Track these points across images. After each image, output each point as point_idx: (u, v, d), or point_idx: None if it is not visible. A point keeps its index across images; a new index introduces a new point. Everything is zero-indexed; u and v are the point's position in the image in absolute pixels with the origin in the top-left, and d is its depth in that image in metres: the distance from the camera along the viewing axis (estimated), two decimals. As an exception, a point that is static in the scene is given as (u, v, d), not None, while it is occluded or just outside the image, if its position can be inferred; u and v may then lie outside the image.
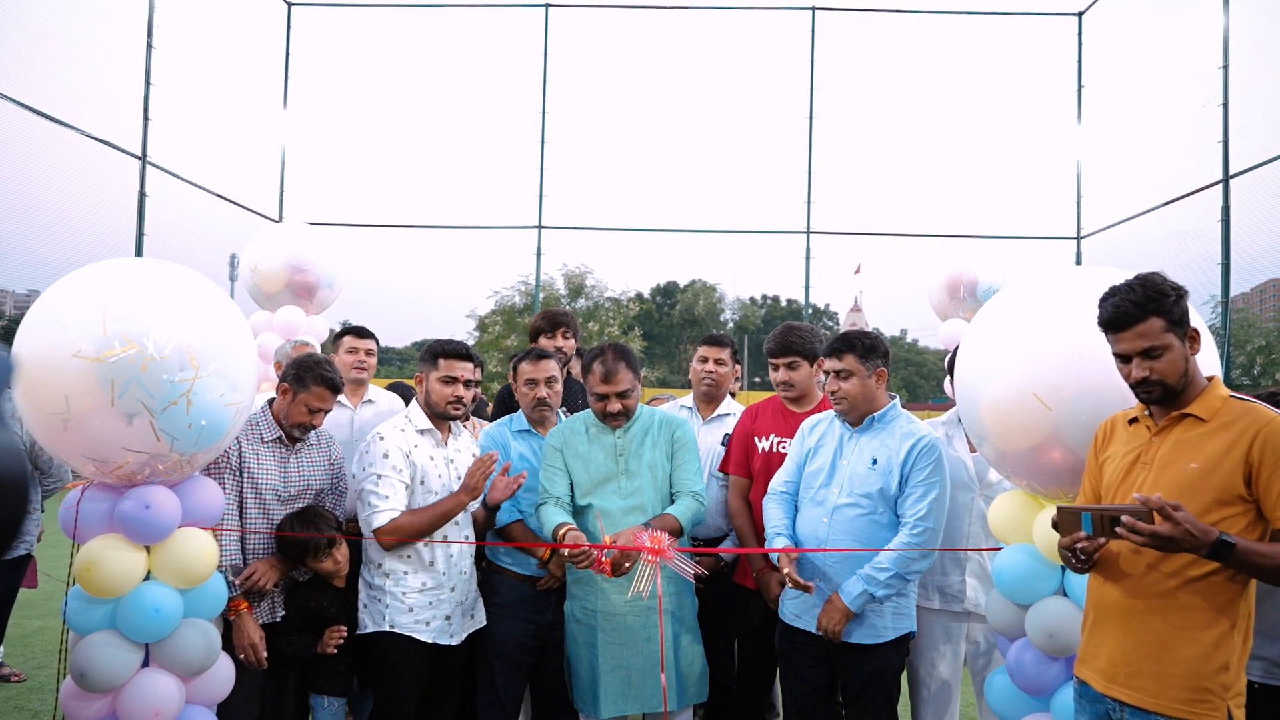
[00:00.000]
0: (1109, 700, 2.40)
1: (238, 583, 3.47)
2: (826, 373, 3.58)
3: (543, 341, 4.80)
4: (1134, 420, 2.53)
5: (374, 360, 4.91)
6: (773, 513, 3.63)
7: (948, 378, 4.16)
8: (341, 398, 4.81)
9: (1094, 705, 2.47)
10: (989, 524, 3.29)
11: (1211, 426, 2.35)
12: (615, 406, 3.69)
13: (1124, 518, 2.15)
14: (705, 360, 4.52)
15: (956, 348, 4.14)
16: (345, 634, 3.56)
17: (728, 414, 4.51)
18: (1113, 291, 2.41)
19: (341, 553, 3.63)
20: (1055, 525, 2.44)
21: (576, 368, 5.00)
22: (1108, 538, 2.23)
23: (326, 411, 3.75)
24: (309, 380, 3.65)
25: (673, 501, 3.70)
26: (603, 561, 3.36)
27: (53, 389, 2.81)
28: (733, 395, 4.77)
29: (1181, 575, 2.30)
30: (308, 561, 3.55)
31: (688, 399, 4.71)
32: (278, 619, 3.62)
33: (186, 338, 2.93)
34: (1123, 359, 2.40)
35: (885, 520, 3.43)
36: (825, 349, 3.61)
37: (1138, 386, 2.39)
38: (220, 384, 3.02)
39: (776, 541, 3.47)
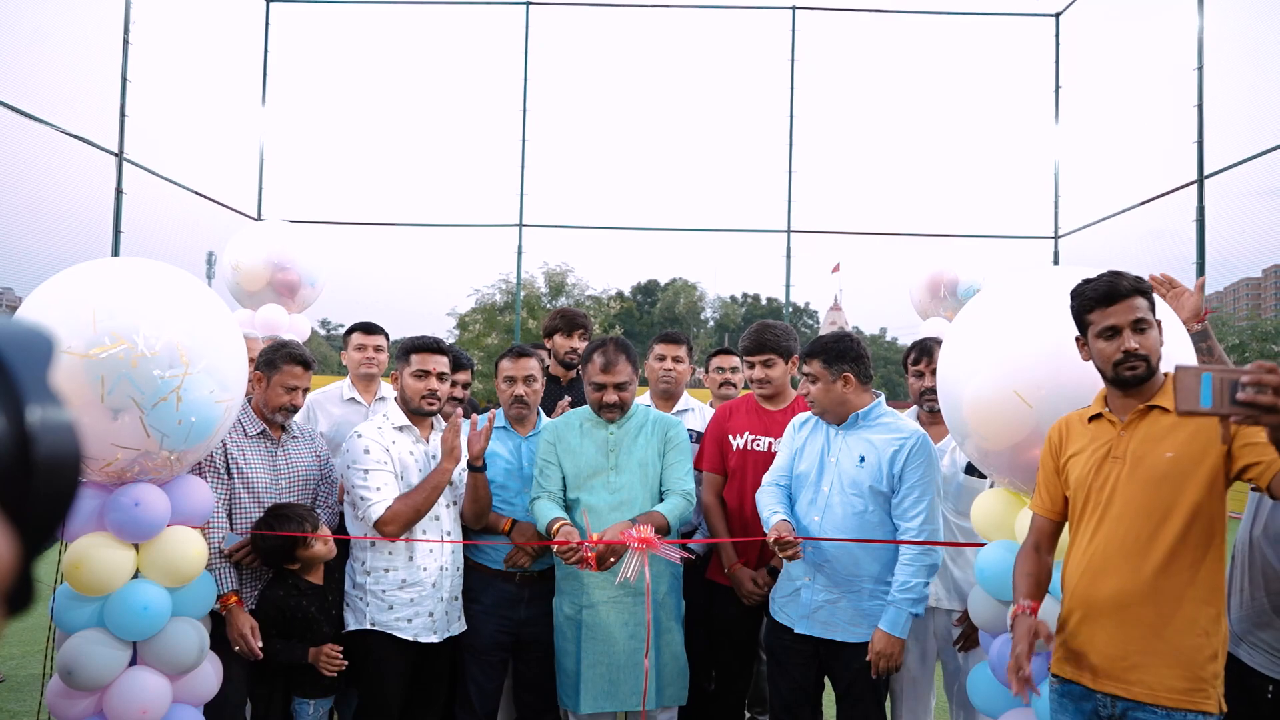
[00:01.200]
0: (1100, 696, 2.42)
1: (228, 550, 3.48)
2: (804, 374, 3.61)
3: (557, 340, 4.81)
4: (1095, 417, 2.56)
5: (384, 356, 4.89)
6: (766, 500, 3.62)
7: (908, 377, 4.17)
8: (355, 394, 4.81)
9: (1079, 704, 2.47)
10: (972, 521, 3.33)
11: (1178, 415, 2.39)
12: (612, 397, 3.71)
13: (1244, 378, 1.95)
14: (663, 358, 4.54)
15: (911, 347, 4.17)
16: (340, 654, 3.53)
17: (686, 409, 4.54)
18: (1091, 278, 2.49)
19: (327, 532, 3.61)
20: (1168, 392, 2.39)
21: None
22: (1223, 414, 2.00)
23: (305, 390, 3.77)
24: (278, 361, 3.69)
25: (662, 499, 3.72)
26: (589, 558, 3.38)
27: None
28: (738, 388, 4.81)
29: (1173, 566, 2.33)
30: (297, 554, 3.53)
31: (644, 396, 4.72)
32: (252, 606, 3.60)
33: (176, 335, 2.93)
34: (1111, 333, 2.43)
35: (876, 519, 3.44)
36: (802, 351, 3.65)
37: (1123, 363, 2.41)
38: (210, 381, 3.02)
39: (773, 520, 3.45)
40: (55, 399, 0.58)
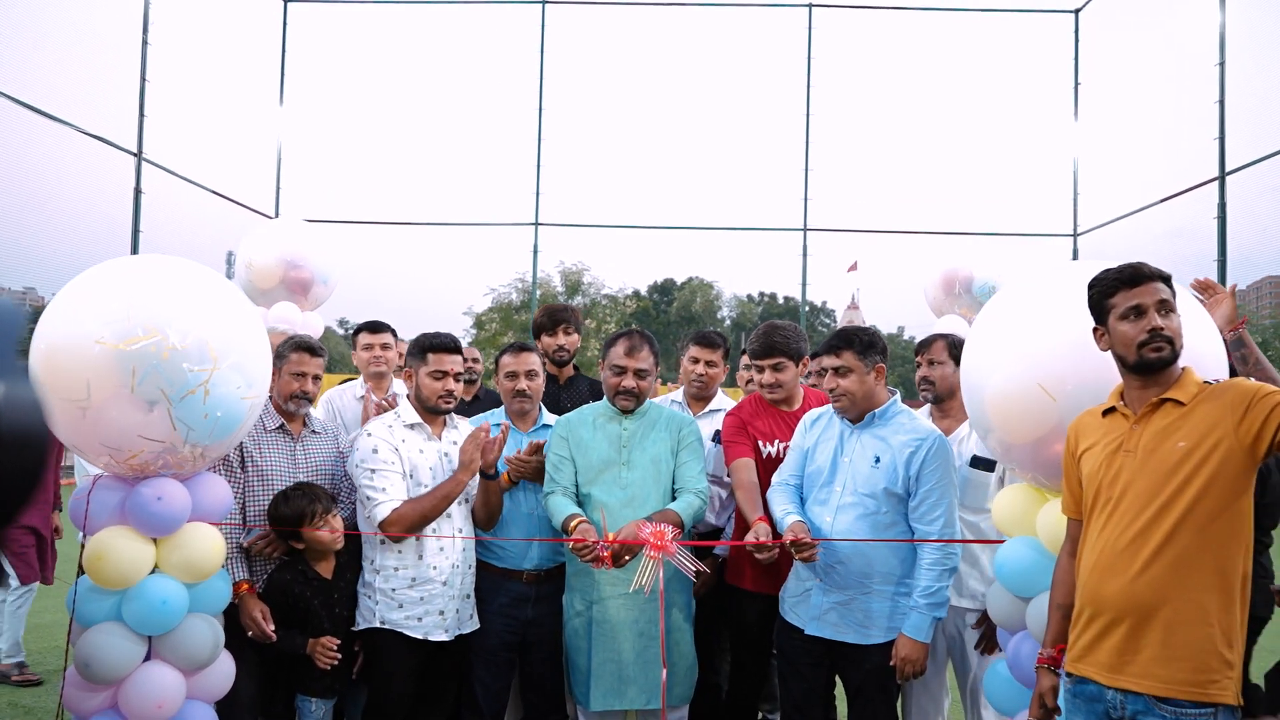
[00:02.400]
0: (1111, 696, 2.38)
1: (248, 544, 3.52)
2: (822, 370, 3.52)
3: (544, 340, 4.76)
4: (1109, 411, 2.54)
5: (392, 354, 4.87)
6: (778, 500, 3.57)
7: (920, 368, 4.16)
8: (368, 392, 4.82)
9: (1091, 704, 2.44)
10: (992, 517, 3.30)
11: (1191, 406, 2.38)
12: (630, 383, 3.70)
13: None
14: (697, 361, 4.46)
15: (926, 340, 4.15)
16: (337, 648, 3.52)
17: (719, 409, 4.48)
18: (1111, 267, 2.50)
19: (339, 523, 3.61)
20: None
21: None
22: None
23: (315, 377, 3.80)
24: (285, 350, 3.75)
25: (675, 498, 3.69)
26: (605, 556, 3.35)
27: (75, 375, 2.85)
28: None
29: (1177, 555, 2.30)
30: (304, 531, 3.53)
31: (677, 394, 4.68)
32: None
33: (207, 331, 2.99)
34: (1137, 313, 2.42)
35: (889, 520, 3.40)
36: (823, 346, 3.54)
37: (1149, 343, 2.39)
38: (237, 377, 3.06)
39: (787, 520, 3.40)
40: (21, 373, 0.57)
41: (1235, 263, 10.06)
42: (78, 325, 2.89)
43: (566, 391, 4.71)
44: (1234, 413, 2.30)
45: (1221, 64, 10.19)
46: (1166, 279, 2.46)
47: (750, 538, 3.42)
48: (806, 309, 13.59)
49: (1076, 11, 12.63)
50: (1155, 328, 2.39)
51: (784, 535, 3.34)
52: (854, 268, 22.22)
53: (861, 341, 3.45)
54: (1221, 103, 10.16)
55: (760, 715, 4.84)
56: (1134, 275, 2.45)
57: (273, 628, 3.44)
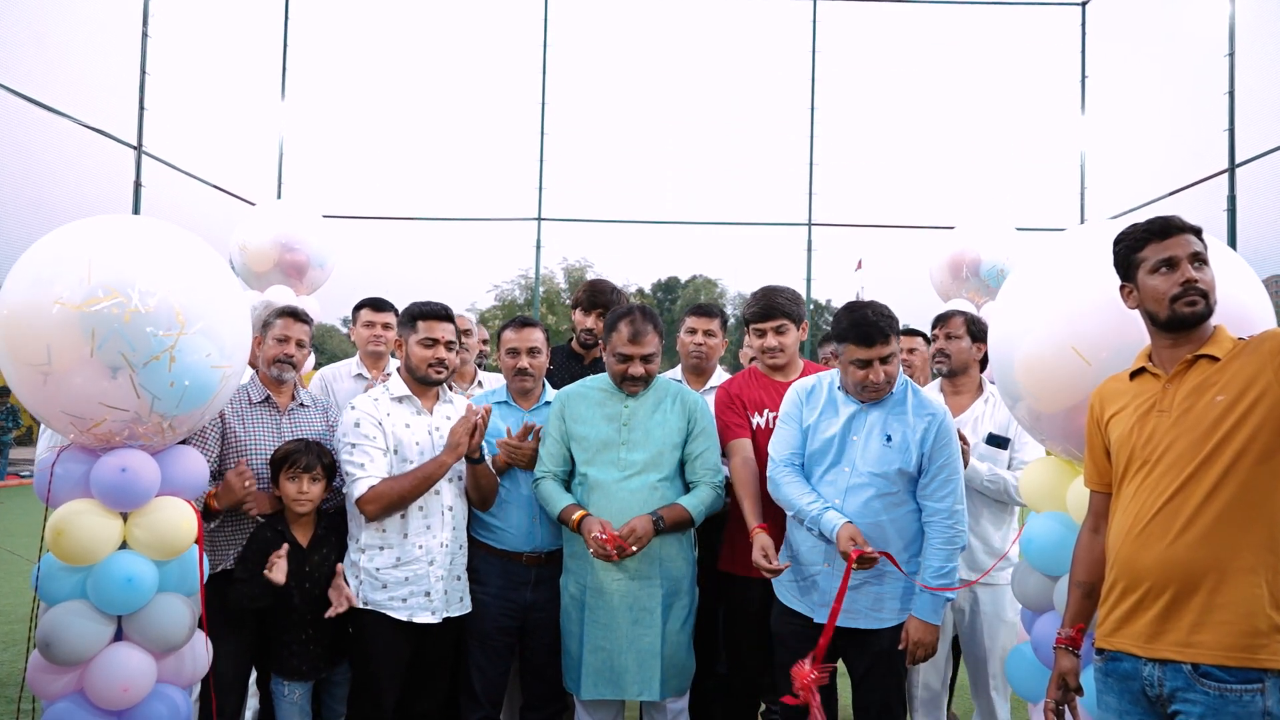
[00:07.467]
0: (1148, 673, 2.25)
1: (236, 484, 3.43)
2: (863, 363, 3.23)
3: (577, 315, 4.65)
4: (1137, 374, 2.43)
5: (393, 334, 4.74)
6: (794, 489, 3.35)
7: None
8: (362, 371, 4.71)
9: (1125, 683, 2.31)
10: (1021, 492, 3.22)
11: (1226, 360, 2.26)
12: (638, 370, 3.56)
13: None
14: (694, 332, 4.26)
15: (945, 314, 4.07)
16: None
17: (718, 386, 4.35)
18: (1137, 222, 2.41)
19: (314, 489, 3.48)
20: None
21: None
22: None
23: (300, 342, 3.72)
24: (270, 318, 3.68)
25: (688, 489, 3.58)
26: (612, 555, 3.25)
27: (35, 339, 2.72)
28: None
29: (1224, 515, 2.18)
30: (280, 476, 3.44)
31: (675, 371, 4.53)
32: (230, 564, 3.49)
33: (174, 293, 2.83)
34: (1169, 266, 2.32)
35: (900, 500, 3.27)
36: (856, 336, 3.23)
37: (1182, 296, 2.28)
38: (207, 344, 2.91)
39: (827, 518, 3.20)
40: None
41: (1244, 257, 9.88)
42: (38, 285, 2.76)
43: (592, 372, 4.51)
44: (1275, 359, 2.18)
45: (1231, 54, 10.08)
46: (1198, 231, 2.35)
47: (757, 552, 3.31)
48: (811, 307, 13.48)
49: (1084, 4, 12.53)
50: (1189, 280, 2.27)
51: (839, 545, 3.12)
52: (859, 267, 22.13)
53: (894, 325, 3.25)
54: (1231, 94, 10.06)
55: (764, 708, 4.72)
56: (1165, 227, 2.34)
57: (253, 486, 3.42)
